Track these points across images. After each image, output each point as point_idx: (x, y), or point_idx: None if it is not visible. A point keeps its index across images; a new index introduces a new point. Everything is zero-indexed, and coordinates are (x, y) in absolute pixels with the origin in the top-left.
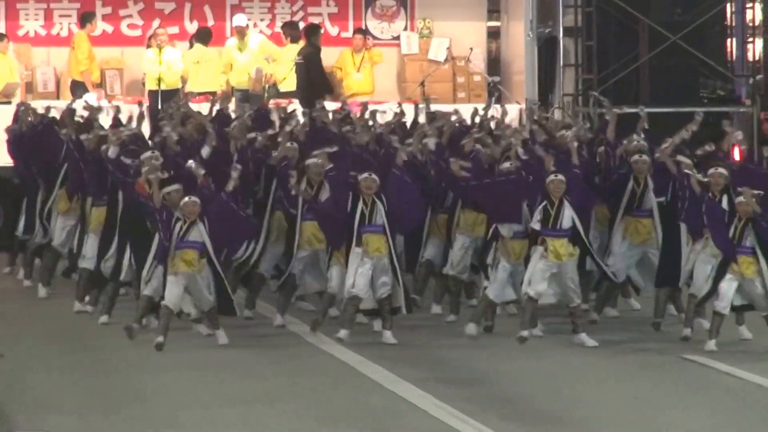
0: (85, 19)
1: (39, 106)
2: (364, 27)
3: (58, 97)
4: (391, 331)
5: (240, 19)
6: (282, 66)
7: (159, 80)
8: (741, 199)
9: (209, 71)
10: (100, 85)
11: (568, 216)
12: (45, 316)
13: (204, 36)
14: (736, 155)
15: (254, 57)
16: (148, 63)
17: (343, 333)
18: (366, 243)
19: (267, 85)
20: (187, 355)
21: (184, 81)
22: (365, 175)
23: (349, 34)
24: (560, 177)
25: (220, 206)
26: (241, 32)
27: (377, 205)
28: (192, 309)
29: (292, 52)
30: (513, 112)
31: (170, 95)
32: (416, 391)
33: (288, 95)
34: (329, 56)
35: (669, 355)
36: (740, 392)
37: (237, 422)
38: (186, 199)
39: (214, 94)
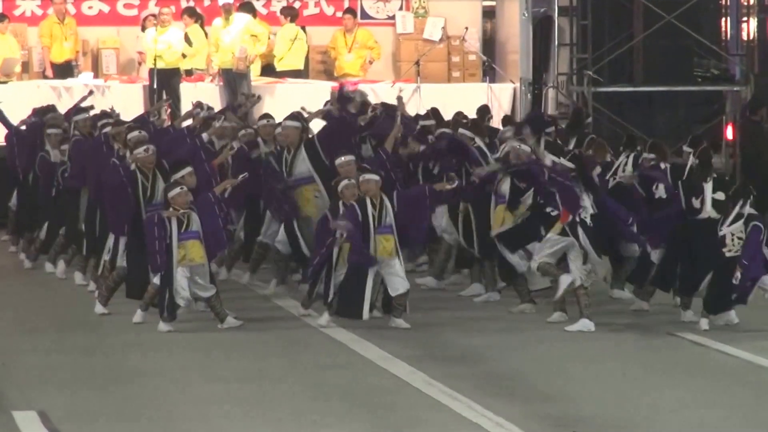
0: None
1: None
2: (360, 7)
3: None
4: (402, 318)
5: None
6: (280, 45)
7: (157, 59)
8: None
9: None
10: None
11: None
12: (41, 295)
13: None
14: (729, 134)
15: (239, 36)
16: (148, 41)
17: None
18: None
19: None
20: (181, 335)
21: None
22: (370, 175)
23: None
24: None
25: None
26: (227, 10)
27: (385, 205)
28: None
29: (289, 31)
30: (507, 92)
31: (169, 74)
32: (408, 368)
33: (284, 74)
34: (324, 36)
35: (659, 332)
36: (731, 369)
37: (230, 400)
38: (178, 190)
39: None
